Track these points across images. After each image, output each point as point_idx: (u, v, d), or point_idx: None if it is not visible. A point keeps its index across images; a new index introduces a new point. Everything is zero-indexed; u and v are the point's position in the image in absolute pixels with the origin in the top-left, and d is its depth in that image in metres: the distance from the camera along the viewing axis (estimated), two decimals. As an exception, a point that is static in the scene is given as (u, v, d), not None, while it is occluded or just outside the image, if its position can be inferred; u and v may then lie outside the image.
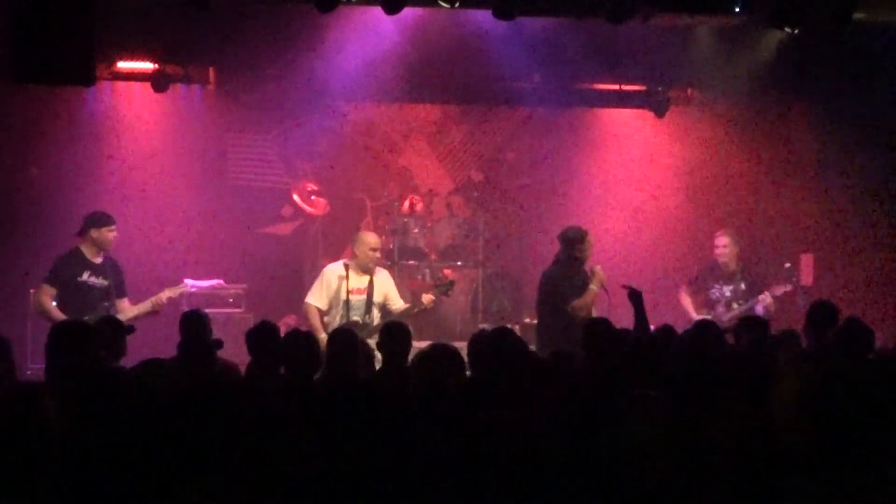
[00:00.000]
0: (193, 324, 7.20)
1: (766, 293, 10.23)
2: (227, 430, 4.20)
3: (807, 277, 11.32)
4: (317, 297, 9.37)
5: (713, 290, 10.45)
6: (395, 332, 7.03)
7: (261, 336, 6.73)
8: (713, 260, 10.72)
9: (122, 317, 8.63)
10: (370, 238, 9.56)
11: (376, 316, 9.31)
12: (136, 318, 8.66)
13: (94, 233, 8.91)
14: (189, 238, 11.39)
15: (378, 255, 9.54)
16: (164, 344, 7.17)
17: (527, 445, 4.39)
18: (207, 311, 7.99)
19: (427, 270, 11.34)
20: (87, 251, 8.91)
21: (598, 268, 9.07)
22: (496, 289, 11.57)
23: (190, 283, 10.76)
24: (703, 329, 6.59)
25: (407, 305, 9.49)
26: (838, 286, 11.09)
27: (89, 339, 6.11)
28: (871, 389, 4.33)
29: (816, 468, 4.10)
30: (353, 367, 6.47)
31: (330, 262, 9.94)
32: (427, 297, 9.44)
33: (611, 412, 4.84)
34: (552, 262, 9.42)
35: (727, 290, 10.45)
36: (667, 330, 6.96)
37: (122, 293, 9.05)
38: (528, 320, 10.52)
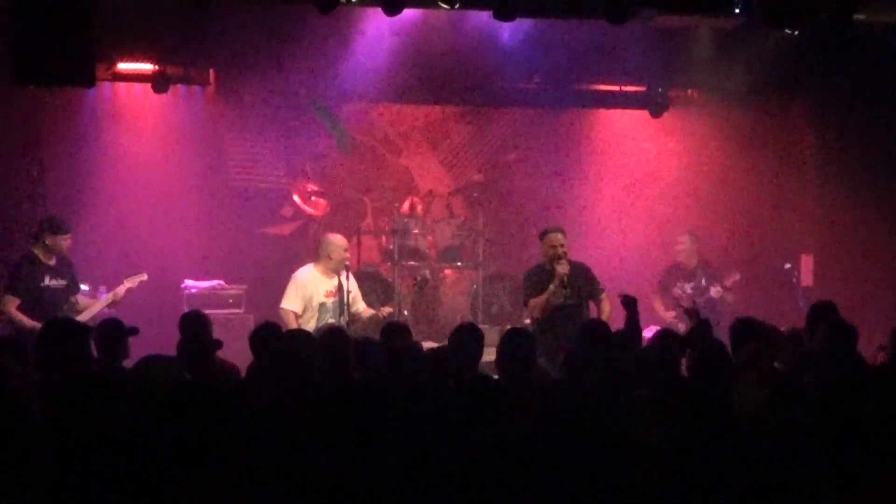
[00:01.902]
0: (193, 325, 7.20)
1: (718, 286, 10.69)
2: (225, 429, 4.20)
3: (807, 278, 11.34)
4: (292, 302, 9.40)
5: (675, 288, 10.77)
6: (396, 332, 7.04)
7: (263, 337, 6.72)
8: (674, 260, 11.09)
9: (86, 314, 8.68)
10: (340, 240, 9.57)
11: (346, 319, 9.32)
12: (95, 313, 8.77)
13: (48, 239, 8.95)
14: (189, 239, 11.37)
15: (349, 254, 9.56)
16: (166, 345, 7.15)
17: (527, 446, 4.39)
18: (207, 311, 8.00)
19: (427, 271, 11.33)
20: (41, 255, 8.96)
21: (558, 265, 8.95)
22: (496, 290, 11.56)
23: (190, 284, 10.79)
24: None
25: (370, 312, 9.50)
26: (839, 287, 11.09)
27: (81, 336, 6.11)
28: (853, 393, 4.36)
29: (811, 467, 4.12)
30: (346, 366, 6.48)
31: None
32: (385, 310, 9.47)
33: (610, 413, 4.85)
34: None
35: (688, 287, 10.83)
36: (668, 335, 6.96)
37: (76, 289, 9.11)
38: (527, 321, 10.51)
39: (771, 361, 6.51)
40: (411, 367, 5.94)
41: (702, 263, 11.01)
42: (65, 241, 9.00)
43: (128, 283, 9.19)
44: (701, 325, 7.21)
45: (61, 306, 8.84)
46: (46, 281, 8.90)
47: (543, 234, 9.22)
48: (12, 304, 8.75)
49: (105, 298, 9.11)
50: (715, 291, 10.65)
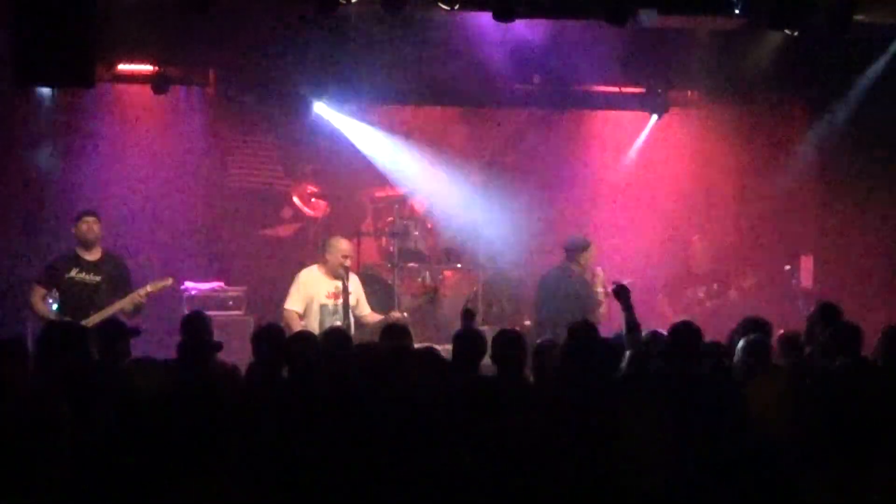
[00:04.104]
0: (194, 326, 7.19)
1: (734, 290, 10.78)
2: (224, 430, 4.20)
3: (806, 279, 11.33)
4: (294, 302, 9.40)
5: (688, 292, 10.77)
6: (395, 333, 7.04)
7: (266, 338, 6.71)
8: (686, 263, 11.18)
9: (101, 315, 8.65)
10: (342, 244, 9.55)
11: (352, 322, 9.32)
12: (110, 314, 8.68)
13: (74, 230, 9.15)
14: (189, 240, 11.38)
15: (349, 261, 9.52)
16: (165, 346, 7.15)
17: (525, 447, 4.39)
18: (207, 313, 7.98)
19: (427, 273, 11.33)
20: (79, 249, 9.10)
21: (598, 269, 9.41)
22: (496, 291, 11.55)
23: (190, 286, 10.78)
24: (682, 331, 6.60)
25: (378, 318, 9.49)
26: (838, 288, 11.08)
27: (77, 338, 6.11)
28: (852, 392, 4.35)
29: (808, 467, 4.11)
30: (347, 368, 6.47)
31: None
32: (395, 314, 9.45)
33: (608, 415, 4.85)
34: (561, 268, 9.89)
35: (700, 292, 10.90)
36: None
37: (121, 291, 9.03)
38: (527, 322, 10.52)
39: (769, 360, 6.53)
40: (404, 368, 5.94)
41: (714, 268, 11.02)
42: (83, 225, 9.07)
43: (150, 288, 9.05)
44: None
45: (86, 301, 8.85)
46: (72, 273, 8.97)
47: (587, 246, 9.84)
48: (36, 294, 8.98)
49: (120, 302, 8.94)
50: (733, 295, 10.60)
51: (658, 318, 10.29)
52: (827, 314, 7.31)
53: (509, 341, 6.47)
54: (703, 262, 11.00)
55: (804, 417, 4.62)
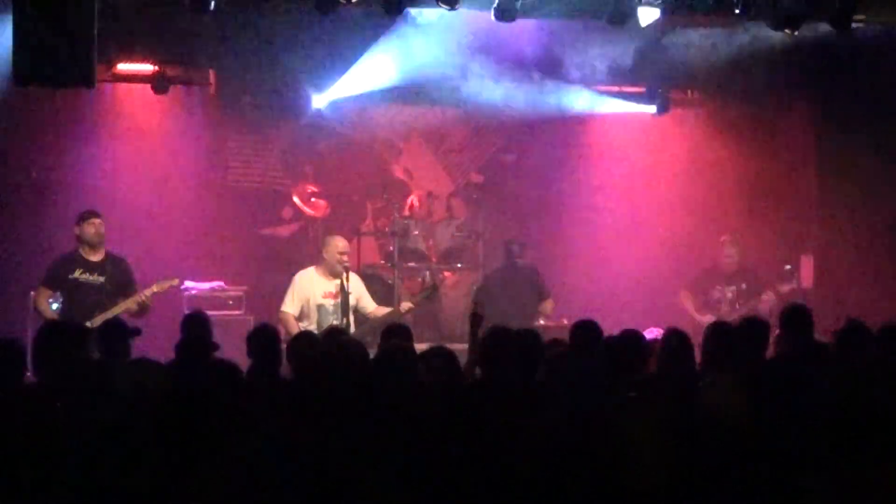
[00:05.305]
0: (195, 326, 7.19)
1: (770, 292, 10.59)
2: (224, 430, 4.20)
3: (807, 279, 11.34)
4: (290, 305, 9.43)
5: (715, 291, 10.70)
6: (395, 333, 7.02)
7: (261, 338, 6.71)
8: (714, 261, 11.01)
9: (105, 315, 8.64)
10: (339, 242, 9.56)
11: (351, 321, 9.32)
12: (118, 314, 8.68)
13: (77, 230, 9.14)
14: (189, 240, 11.37)
15: (346, 259, 9.51)
16: (165, 346, 7.14)
17: (525, 446, 4.39)
18: (207, 313, 7.98)
19: (427, 272, 11.33)
20: (82, 250, 9.10)
21: None
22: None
23: (190, 285, 10.78)
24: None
25: (386, 310, 9.48)
26: (839, 288, 11.09)
27: (76, 338, 6.11)
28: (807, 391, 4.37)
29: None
30: (344, 368, 6.45)
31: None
32: (405, 305, 9.46)
33: (607, 414, 4.86)
34: (508, 266, 10.71)
35: (729, 291, 10.73)
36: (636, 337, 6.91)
37: (125, 292, 9.04)
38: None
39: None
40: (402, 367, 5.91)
41: (742, 268, 10.95)
42: (90, 227, 9.07)
43: (156, 288, 9.08)
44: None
45: (90, 302, 8.86)
46: (76, 274, 8.99)
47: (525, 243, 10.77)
48: (41, 296, 9.00)
49: (125, 302, 8.95)
50: (767, 298, 10.54)
51: (677, 314, 10.33)
52: (787, 322, 7.24)
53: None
54: (732, 261, 10.93)
55: (754, 415, 4.64)
